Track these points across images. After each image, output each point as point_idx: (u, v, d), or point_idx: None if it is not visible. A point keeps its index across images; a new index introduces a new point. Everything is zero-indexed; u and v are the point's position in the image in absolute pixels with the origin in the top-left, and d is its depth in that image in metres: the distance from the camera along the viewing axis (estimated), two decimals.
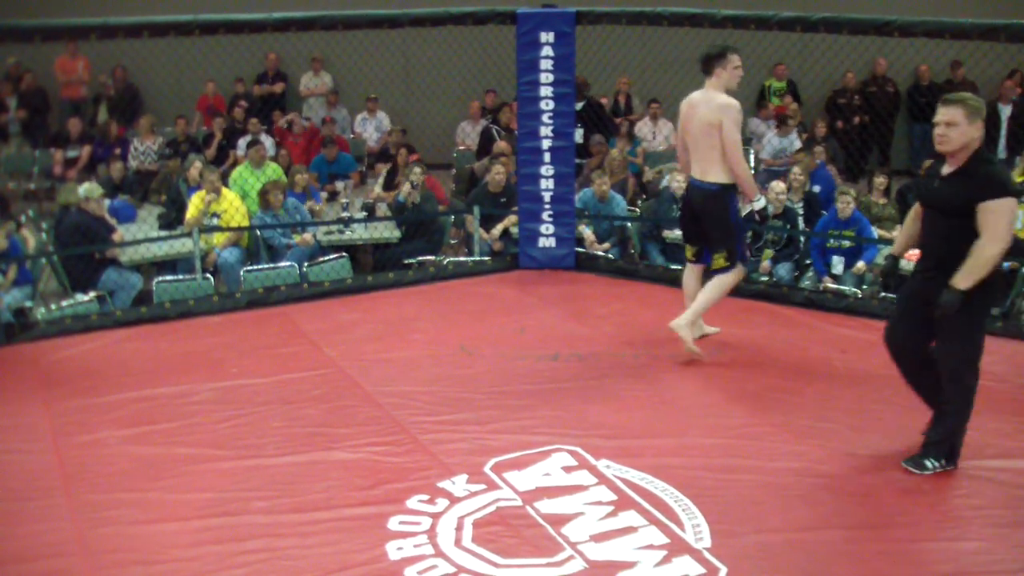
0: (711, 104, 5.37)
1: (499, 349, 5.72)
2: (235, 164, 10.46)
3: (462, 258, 7.81)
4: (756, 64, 9.40)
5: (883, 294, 6.91)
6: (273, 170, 8.82)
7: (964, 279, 3.96)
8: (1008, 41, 6.06)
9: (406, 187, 8.30)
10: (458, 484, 4.20)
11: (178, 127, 10.91)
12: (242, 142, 10.60)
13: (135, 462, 4.44)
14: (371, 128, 11.77)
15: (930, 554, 3.72)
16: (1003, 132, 10.38)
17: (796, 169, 8.29)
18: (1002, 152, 10.28)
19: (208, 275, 7.18)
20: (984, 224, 3.94)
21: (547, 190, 7.19)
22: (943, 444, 4.27)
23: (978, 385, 4.20)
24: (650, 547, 3.74)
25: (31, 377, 5.50)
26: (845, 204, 7.24)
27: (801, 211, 7.94)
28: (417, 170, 8.33)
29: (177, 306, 6.52)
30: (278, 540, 3.79)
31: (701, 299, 5.53)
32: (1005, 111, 10.42)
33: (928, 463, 4.25)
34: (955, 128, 3.97)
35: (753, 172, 10.37)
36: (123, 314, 6.49)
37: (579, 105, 8.34)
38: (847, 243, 7.24)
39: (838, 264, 7.23)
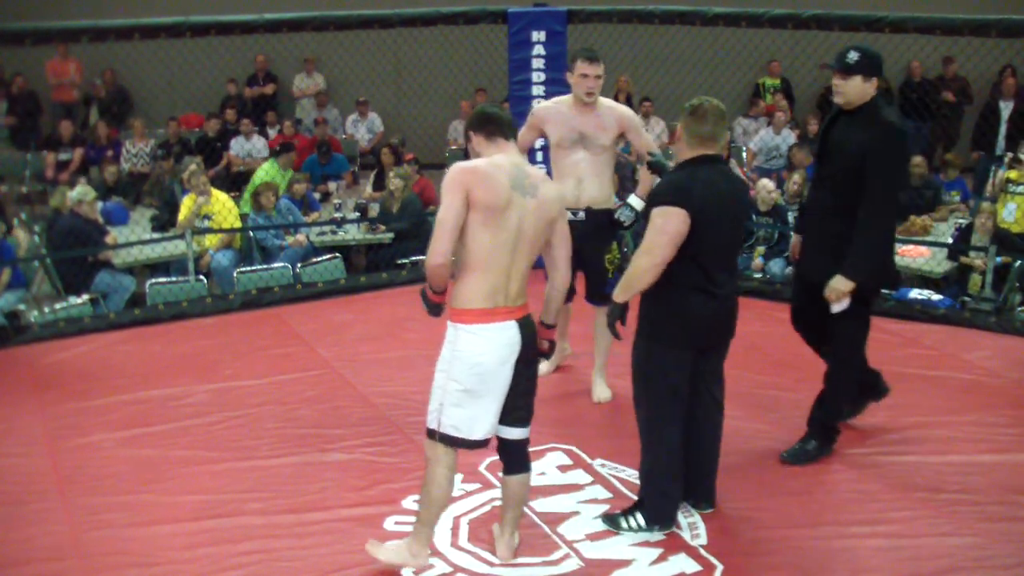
0: None
1: None
2: (228, 165, 10.47)
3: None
4: (749, 61, 9.42)
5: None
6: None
7: (621, 293, 3.70)
8: (999, 36, 6.09)
9: (375, 194, 8.31)
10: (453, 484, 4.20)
11: (170, 129, 10.89)
12: (235, 143, 10.59)
13: (130, 465, 4.43)
14: (363, 129, 11.76)
15: (925, 549, 3.73)
16: (1002, 130, 10.23)
17: (796, 177, 8.29)
18: (1000, 150, 10.20)
19: (201, 277, 7.18)
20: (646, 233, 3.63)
21: None
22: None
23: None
24: (646, 544, 3.75)
25: (25, 380, 5.49)
26: None
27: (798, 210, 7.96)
28: (390, 174, 8.33)
29: (170, 308, 6.51)
30: (274, 541, 3.79)
31: None
32: (1005, 108, 10.25)
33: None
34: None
35: (745, 169, 10.41)
36: (116, 316, 6.48)
37: None
38: None
39: None
